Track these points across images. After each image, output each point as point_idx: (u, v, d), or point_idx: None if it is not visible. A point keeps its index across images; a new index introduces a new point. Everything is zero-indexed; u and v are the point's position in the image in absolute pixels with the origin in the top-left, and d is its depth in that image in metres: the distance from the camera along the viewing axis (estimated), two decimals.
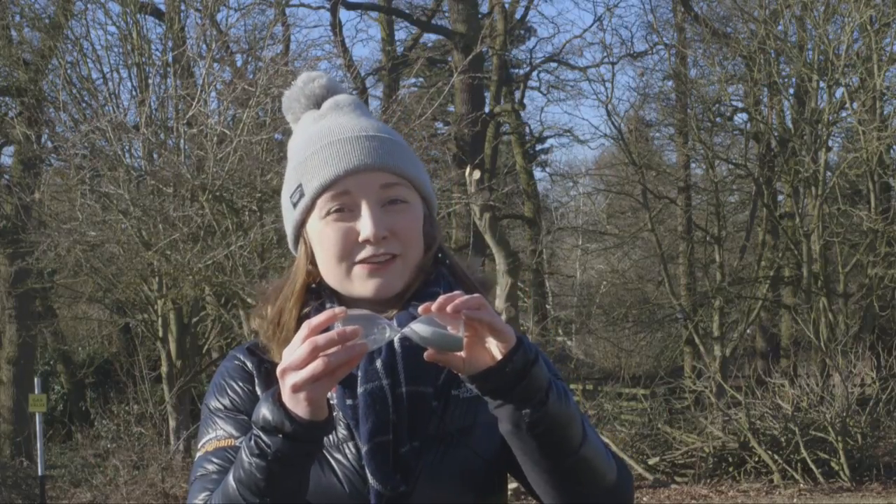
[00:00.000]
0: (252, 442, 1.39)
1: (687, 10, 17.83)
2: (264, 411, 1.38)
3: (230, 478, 1.43)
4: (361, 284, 1.56)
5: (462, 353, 1.41)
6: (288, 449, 1.37)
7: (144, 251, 10.37)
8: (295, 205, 1.61)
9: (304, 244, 1.63)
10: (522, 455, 1.48)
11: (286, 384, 1.35)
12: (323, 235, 1.58)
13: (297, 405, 1.36)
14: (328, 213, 1.57)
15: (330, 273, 1.59)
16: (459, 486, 1.55)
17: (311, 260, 1.62)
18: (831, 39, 14.67)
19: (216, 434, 1.59)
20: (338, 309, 1.37)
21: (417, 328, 1.39)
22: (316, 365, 1.32)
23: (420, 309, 1.39)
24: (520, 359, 1.40)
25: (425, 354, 1.41)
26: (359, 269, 1.56)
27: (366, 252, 1.55)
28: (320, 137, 1.62)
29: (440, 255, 1.66)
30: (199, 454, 1.59)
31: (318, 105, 1.69)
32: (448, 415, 1.57)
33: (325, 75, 1.72)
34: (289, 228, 1.65)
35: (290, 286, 1.63)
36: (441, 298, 1.38)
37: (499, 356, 1.40)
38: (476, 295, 1.40)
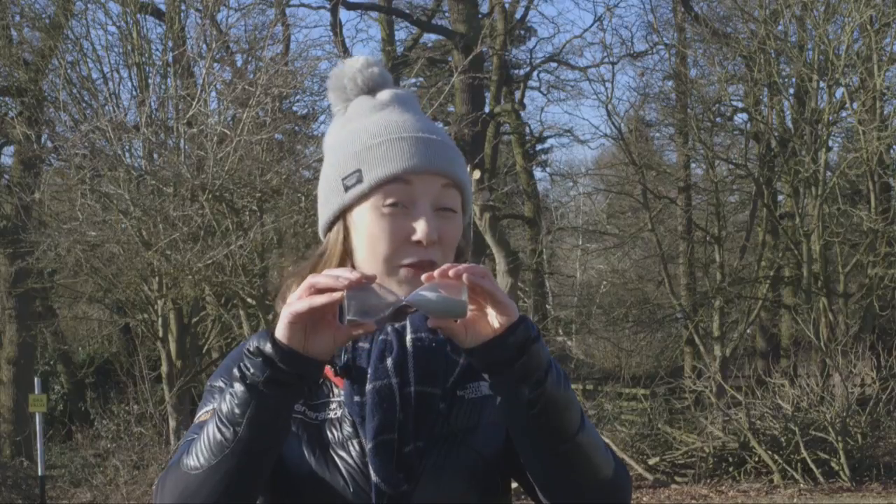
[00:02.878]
0: (235, 368, 1.43)
1: (687, 10, 17.83)
2: (252, 338, 1.43)
3: (210, 418, 1.46)
4: (400, 287, 1.54)
5: (464, 323, 1.41)
6: (266, 372, 1.39)
7: (144, 251, 10.38)
8: (348, 188, 1.59)
9: (344, 230, 1.61)
10: (518, 437, 1.48)
11: (282, 313, 1.41)
12: (375, 227, 1.56)
13: (282, 333, 1.40)
14: (383, 207, 1.56)
15: (370, 266, 1.57)
16: (462, 485, 1.55)
17: (347, 248, 1.61)
18: (831, 39, 14.67)
19: (213, 407, 1.59)
20: (358, 274, 1.39)
21: (421, 294, 1.39)
22: (302, 286, 1.40)
23: (423, 277, 1.40)
24: (521, 333, 1.40)
25: (428, 322, 1.41)
26: (403, 272, 1.55)
27: (414, 255, 1.54)
28: (388, 129, 1.60)
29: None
30: (193, 424, 1.60)
31: (370, 92, 1.68)
32: (453, 415, 1.57)
33: (381, 65, 1.71)
34: (329, 209, 1.62)
35: (323, 268, 1.60)
36: (444, 266, 1.39)
37: (500, 329, 1.41)
38: (480, 265, 1.41)
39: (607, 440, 11.86)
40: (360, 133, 1.62)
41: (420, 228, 1.54)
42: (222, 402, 1.43)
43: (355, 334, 1.42)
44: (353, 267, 1.60)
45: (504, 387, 1.43)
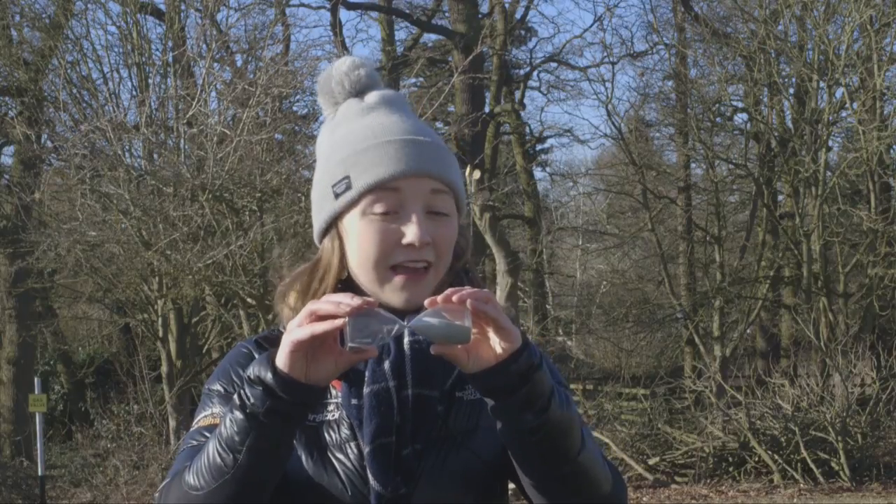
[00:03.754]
0: (235, 395, 1.41)
1: (687, 10, 17.82)
2: (253, 365, 1.41)
3: (211, 436, 1.44)
4: (393, 294, 1.54)
5: (466, 348, 1.40)
6: (266, 402, 1.38)
7: (144, 251, 10.38)
8: (338, 195, 1.58)
9: (337, 237, 1.59)
10: (520, 460, 1.48)
11: (283, 341, 1.39)
12: (364, 234, 1.55)
13: (284, 361, 1.38)
14: (373, 212, 1.55)
15: (363, 273, 1.57)
16: (460, 487, 1.54)
17: (341, 255, 1.60)
18: (831, 39, 14.66)
19: (212, 412, 1.58)
20: (359, 299, 1.38)
21: (424, 319, 1.38)
22: (302, 313, 1.38)
23: (426, 302, 1.38)
24: (524, 361, 1.39)
25: (431, 348, 1.40)
26: (396, 279, 1.54)
27: (404, 256, 1.53)
28: (374, 133, 1.58)
29: (466, 270, 1.65)
30: (191, 429, 1.59)
31: (358, 94, 1.66)
32: (452, 417, 1.57)
33: (369, 65, 1.69)
34: (321, 217, 1.61)
35: (319, 281, 1.60)
36: (448, 291, 1.37)
37: (503, 356, 1.39)
38: (484, 290, 1.40)
39: (607, 440, 11.85)
40: (347, 138, 1.60)
41: (411, 232, 1.53)
42: (222, 425, 1.42)
43: (357, 359, 1.41)
44: (349, 273, 1.59)
45: (506, 413, 1.42)
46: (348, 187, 1.56)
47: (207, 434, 1.54)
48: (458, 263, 1.62)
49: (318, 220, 1.62)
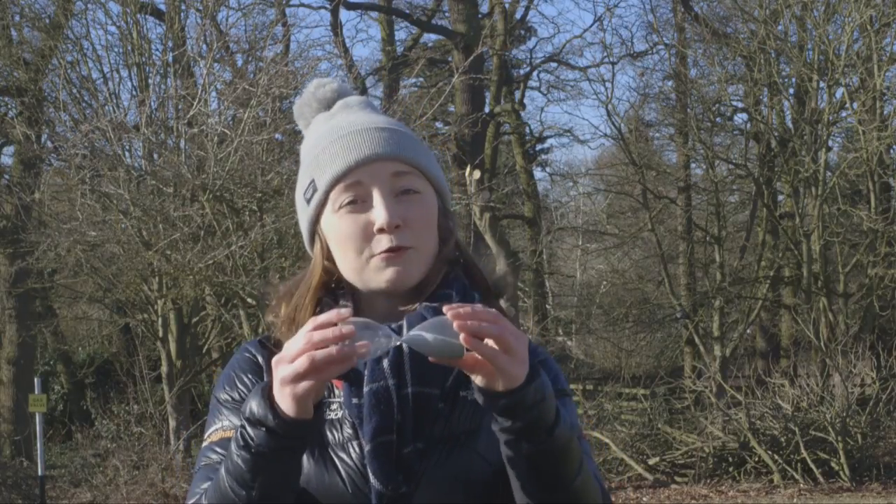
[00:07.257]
0: (238, 433, 1.42)
1: (687, 10, 17.83)
2: (252, 403, 1.41)
3: (221, 469, 1.46)
4: (378, 275, 1.56)
5: (466, 365, 1.40)
6: (270, 443, 1.39)
7: (144, 251, 10.37)
8: (308, 201, 1.61)
9: (320, 241, 1.62)
10: (514, 479, 1.48)
11: (276, 376, 1.38)
12: (338, 229, 1.57)
13: (283, 400, 1.38)
14: (341, 206, 1.57)
15: (348, 266, 1.59)
16: (462, 488, 1.54)
17: (328, 256, 1.62)
18: (831, 39, 14.67)
19: (222, 424, 1.59)
20: (343, 310, 1.37)
21: (419, 334, 1.38)
22: (301, 361, 1.35)
23: (445, 308, 1.37)
24: (529, 396, 1.38)
25: (430, 359, 1.41)
26: (376, 260, 1.56)
27: (382, 243, 1.55)
28: (331, 133, 1.62)
29: (457, 252, 1.65)
30: (204, 444, 1.60)
31: (328, 108, 1.70)
32: (455, 416, 1.57)
33: (336, 80, 1.74)
34: (304, 227, 1.65)
35: (307, 284, 1.63)
36: (447, 306, 1.36)
37: (500, 388, 1.39)
38: (490, 311, 1.37)
39: (607, 440, 11.83)
40: (309, 146, 1.66)
41: (378, 216, 1.54)
42: (229, 461, 1.44)
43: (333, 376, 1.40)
44: (339, 273, 1.61)
45: (504, 435, 1.43)
46: (315, 190, 1.60)
47: (219, 449, 1.56)
48: (447, 248, 1.62)
49: (303, 230, 1.66)
